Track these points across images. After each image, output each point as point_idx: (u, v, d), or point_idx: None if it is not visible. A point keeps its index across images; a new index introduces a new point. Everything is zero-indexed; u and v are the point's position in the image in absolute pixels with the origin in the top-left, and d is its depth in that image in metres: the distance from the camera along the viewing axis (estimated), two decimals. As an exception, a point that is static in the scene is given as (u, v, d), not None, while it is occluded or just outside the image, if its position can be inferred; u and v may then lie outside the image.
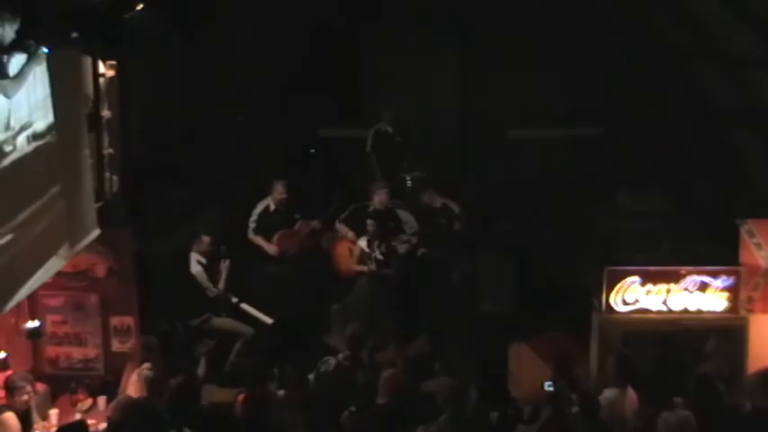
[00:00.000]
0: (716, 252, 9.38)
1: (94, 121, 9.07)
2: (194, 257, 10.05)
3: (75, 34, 7.22)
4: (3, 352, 8.02)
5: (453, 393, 7.41)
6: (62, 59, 7.53)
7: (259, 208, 11.24)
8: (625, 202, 12.10)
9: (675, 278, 8.79)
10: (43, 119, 7.30)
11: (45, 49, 7.03)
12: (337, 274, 11.12)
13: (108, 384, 8.46)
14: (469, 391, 7.68)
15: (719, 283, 8.77)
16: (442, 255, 11.19)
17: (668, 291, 8.80)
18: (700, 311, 8.81)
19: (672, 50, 12.13)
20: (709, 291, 8.78)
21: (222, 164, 12.65)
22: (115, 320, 8.73)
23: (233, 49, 12.97)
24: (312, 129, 13.45)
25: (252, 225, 11.23)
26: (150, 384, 7.75)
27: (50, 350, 8.77)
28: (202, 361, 9.94)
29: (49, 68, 7.24)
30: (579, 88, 13.57)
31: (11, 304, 7.00)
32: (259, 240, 11.16)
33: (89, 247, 8.32)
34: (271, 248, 11.08)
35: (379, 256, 10.83)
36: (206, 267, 10.06)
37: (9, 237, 6.70)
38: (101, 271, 8.66)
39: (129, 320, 8.72)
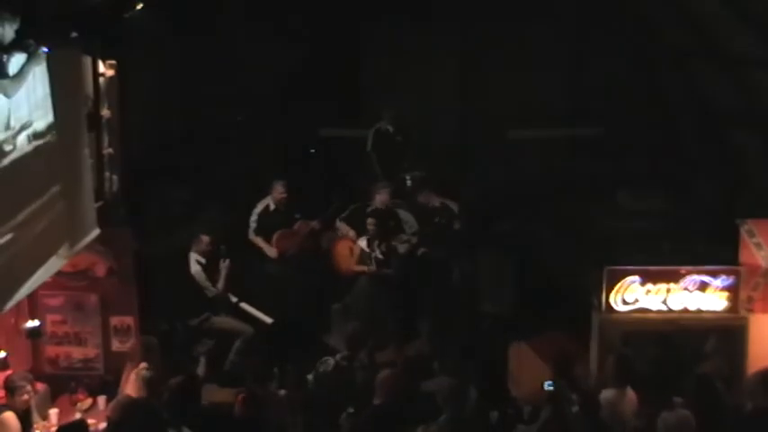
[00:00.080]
0: (716, 252, 9.37)
1: (94, 120, 9.07)
2: (193, 257, 10.05)
3: (74, 34, 7.21)
4: (3, 351, 8.03)
5: (453, 393, 7.41)
6: (62, 59, 7.53)
7: (259, 208, 11.26)
8: (625, 202, 12.09)
9: (675, 278, 8.78)
10: (43, 118, 7.31)
11: (45, 49, 7.03)
12: (337, 274, 11.12)
13: (108, 384, 8.47)
14: (469, 391, 7.68)
15: (719, 282, 8.77)
16: (441, 254, 11.20)
17: (668, 290, 8.79)
18: (699, 311, 8.81)
19: (672, 50, 12.13)
20: (708, 290, 8.78)
21: (222, 164, 12.64)
22: (115, 320, 8.74)
23: (233, 50, 12.96)
24: (312, 129, 13.45)
25: (252, 225, 11.24)
26: (148, 384, 7.76)
27: (50, 350, 8.78)
28: (202, 360, 9.95)
29: (48, 68, 7.25)
30: (579, 88, 13.56)
31: (11, 304, 7.00)
32: (259, 242, 11.17)
33: (89, 247, 8.33)
34: (271, 251, 11.09)
35: (380, 256, 10.84)
36: (205, 267, 10.06)
37: (9, 236, 6.71)
38: (101, 271, 8.67)
39: (128, 320, 8.73)
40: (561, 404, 7.39)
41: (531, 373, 9.08)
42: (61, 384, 8.48)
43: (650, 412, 7.42)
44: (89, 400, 8.42)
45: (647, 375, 8.06)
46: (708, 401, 7.45)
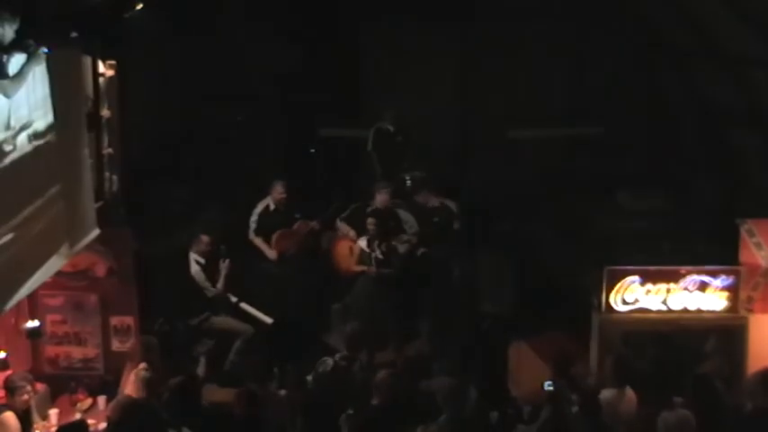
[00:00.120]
0: (716, 252, 9.37)
1: (94, 120, 9.06)
2: (193, 257, 10.06)
3: (74, 34, 7.21)
4: (3, 352, 8.03)
5: (453, 393, 7.40)
6: (62, 59, 7.53)
7: (259, 208, 11.27)
8: (625, 202, 12.09)
9: (675, 278, 8.79)
10: (43, 118, 7.30)
11: (45, 49, 7.03)
12: (337, 274, 11.12)
13: (108, 384, 8.47)
14: (469, 391, 7.67)
15: (719, 282, 8.77)
16: (441, 254, 11.20)
17: (668, 290, 8.80)
18: (699, 311, 8.81)
19: (672, 50, 12.14)
20: (708, 290, 8.79)
21: (222, 164, 12.64)
22: (115, 320, 8.74)
23: (233, 50, 12.96)
24: (312, 129, 13.45)
25: (252, 225, 11.24)
26: (147, 384, 7.76)
27: (50, 350, 8.77)
28: (202, 360, 9.95)
29: (48, 68, 7.24)
30: (579, 88, 13.56)
31: (11, 304, 7.00)
32: (259, 243, 11.18)
33: (89, 247, 8.33)
34: (270, 253, 11.10)
35: (380, 256, 10.83)
36: (204, 267, 10.06)
37: (9, 236, 6.70)
38: (101, 271, 8.67)
39: (128, 320, 8.73)
40: (561, 404, 7.39)
41: (531, 373, 9.08)
42: (61, 384, 8.48)
43: (650, 412, 7.42)
44: (89, 400, 8.42)
45: (647, 375, 8.07)
46: (708, 401, 7.46)
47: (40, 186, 7.31)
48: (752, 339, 8.74)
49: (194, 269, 10.05)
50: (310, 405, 8.07)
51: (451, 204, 11.63)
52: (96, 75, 9.13)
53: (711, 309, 8.80)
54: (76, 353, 8.77)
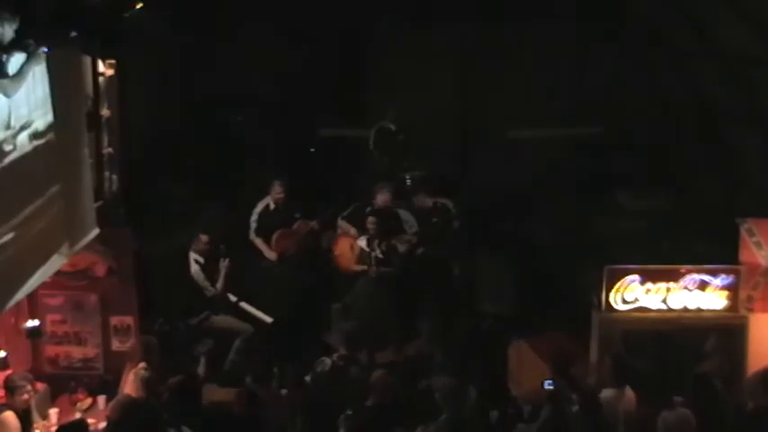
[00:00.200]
0: (716, 251, 9.37)
1: (94, 120, 9.06)
2: (193, 257, 10.06)
3: (74, 33, 7.20)
4: (3, 351, 8.03)
5: (453, 393, 7.41)
6: (61, 59, 7.53)
7: (259, 207, 11.28)
8: (625, 202, 12.09)
9: (675, 277, 8.79)
10: (43, 118, 7.30)
11: (45, 49, 7.03)
12: (338, 272, 11.12)
13: (107, 384, 8.47)
14: (469, 390, 7.68)
15: (719, 281, 8.78)
16: (441, 254, 11.20)
17: (668, 289, 8.80)
18: (699, 310, 8.82)
19: (672, 50, 12.13)
20: (708, 289, 8.79)
21: (222, 164, 12.64)
22: (115, 320, 8.75)
23: (233, 50, 12.96)
24: (312, 129, 13.45)
25: (253, 225, 11.25)
26: (146, 384, 7.77)
27: (50, 349, 8.79)
28: (202, 360, 9.94)
29: (48, 68, 7.25)
30: (579, 88, 13.55)
31: (11, 303, 7.00)
32: (259, 243, 11.18)
33: (89, 247, 8.33)
34: (270, 254, 11.10)
35: (380, 256, 10.83)
36: (204, 267, 10.07)
37: (9, 236, 6.71)
38: (100, 270, 8.67)
39: (128, 320, 8.74)
40: (561, 403, 7.40)
41: (530, 373, 9.09)
42: (61, 384, 8.49)
43: (650, 412, 7.42)
44: (89, 400, 8.42)
45: (647, 374, 8.07)
46: (708, 400, 7.46)
47: (40, 186, 7.31)
48: (752, 338, 8.75)
49: (194, 269, 10.05)
50: (310, 405, 8.07)
51: (448, 204, 11.62)
52: (96, 74, 9.13)
53: (711, 308, 8.80)
54: (76, 353, 8.78)
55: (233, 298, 10.41)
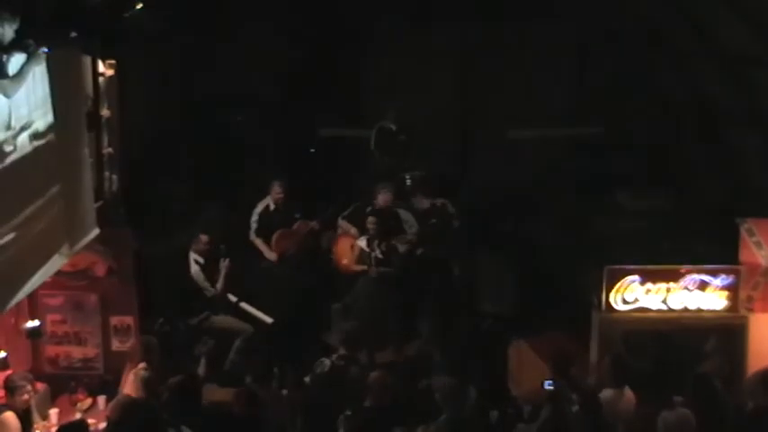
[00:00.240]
0: (716, 251, 9.37)
1: (94, 120, 9.06)
2: (193, 257, 10.06)
3: (74, 34, 7.21)
4: (3, 351, 8.03)
5: (453, 393, 7.40)
6: (61, 59, 7.54)
7: (259, 208, 11.29)
8: (625, 202, 12.09)
9: (675, 277, 8.80)
10: (43, 118, 7.31)
11: (45, 49, 7.03)
12: (338, 272, 11.12)
13: (107, 384, 8.48)
14: (469, 391, 7.68)
15: (719, 281, 8.78)
16: (441, 254, 11.20)
17: (668, 289, 8.81)
18: (699, 310, 8.82)
19: (672, 50, 12.13)
20: (708, 289, 8.80)
21: (222, 164, 12.64)
22: (115, 320, 8.76)
23: (233, 50, 12.96)
24: (312, 129, 13.45)
25: (253, 225, 11.26)
26: (146, 384, 7.77)
27: (50, 349, 8.79)
28: (202, 360, 9.93)
29: (48, 68, 7.25)
30: (579, 88, 13.55)
31: (11, 304, 7.00)
32: (259, 244, 11.19)
33: (89, 247, 8.33)
34: (270, 255, 11.11)
35: (380, 256, 10.83)
36: (203, 267, 10.07)
37: (10, 236, 6.71)
38: (100, 270, 8.68)
39: (128, 320, 8.75)
40: (561, 403, 7.39)
41: (530, 373, 9.09)
42: (61, 384, 8.49)
43: (649, 411, 7.42)
44: (89, 400, 8.43)
45: (647, 374, 8.07)
46: (707, 401, 7.46)
47: (40, 186, 7.31)
48: (752, 339, 8.75)
49: (194, 269, 10.06)
50: (309, 405, 8.07)
51: (446, 204, 11.61)
52: (96, 74, 9.13)
53: (711, 308, 8.81)
54: (76, 353, 8.79)
55: (233, 298, 10.41)
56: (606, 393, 7.66)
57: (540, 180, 12.86)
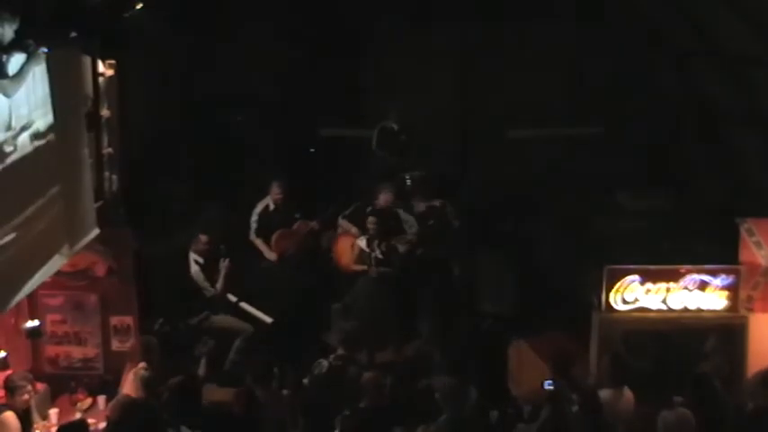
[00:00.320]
0: (716, 251, 9.37)
1: (94, 120, 9.05)
2: (193, 257, 10.06)
3: (74, 34, 7.21)
4: (3, 351, 8.03)
5: (453, 393, 7.41)
6: (61, 59, 7.53)
7: (259, 208, 11.29)
8: (625, 202, 12.09)
9: (675, 277, 8.80)
10: (43, 118, 7.31)
11: (44, 49, 7.03)
12: (338, 271, 11.13)
13: (107, 384, 8.47)
14: (469, 391, 7.68)
15: (719, 281, 8.79)
16: (441, 254, 11.20)
17: (668, 289, 8.81)
18: (699, 310, 8.82)
19: (672, 50, 12.13)
20: (708, 289, 8.80)
21: (222, 164, 12.64)
22: (115, 320, 8.75)
23: (233, 50, 12.96)
24: (312, 129, 13.45)
25: (253, 225, 11.27)
26: (145, 384, 7.76)
27: (50, 349, 8.78)
28: (202, 360, 9.93)
29: (48, 68, 7.25)
30: (579, 88, 13.55)
31: (12, 304, 7.00)
32: (259, 244, 11.19)
33: (89, 247, 8.33)
34: (270, 255, 11.11)
35: (379, 256, 10.84)
36: (203, 267, 10.07)
37: (10, 237, 6.71)
38: (100, 270, 8.67)
39: (128, 320, 8.74)
40: (561, 403, 7.39)
41: (530, 373, 9.10)
42: (61, 384, 8.49)
43: (648, 411, 7.42)
44: (89, 400, 8.42)
45: (647, 374, 8.07)
46: (707, 401, 7.45)
47: (40, 186, 7.31)
48: (752, 338, 8.76)
49: (194, 269, 10.06)
50: (309, 406, 8.08)
51: (444, 204, 11.60)
52: (96, 74, 9.12)
53: (711, 308, 8.81)
54: (76, 353, 8.78)
55: (233, 298, 10.41)
56: (605, 393, 7.66)
57: (540, 180, 12.86)
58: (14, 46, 6.54)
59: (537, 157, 13.11)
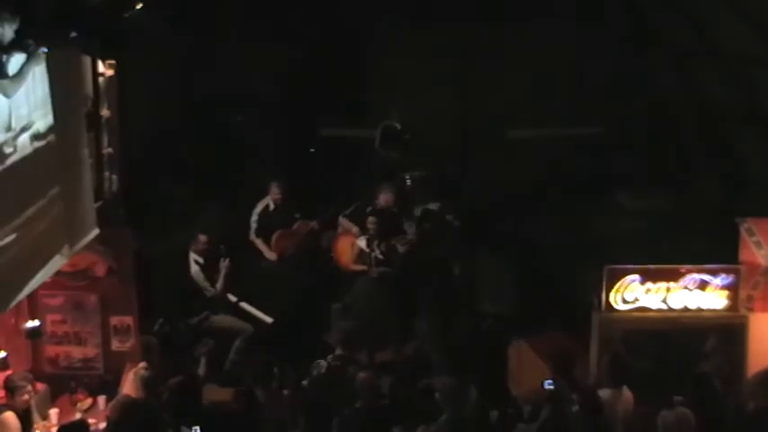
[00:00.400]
0: (716, 251, 9.37)
1: (94, 120, 9.05)
2: (192, 257, 10.06)
3: (74, 34, 7.21)
4: (3, 351, 8.03)
5: (453, 393, 7.41)
6: (61, 59, 7.53)
7: (259, 208, 11.30)
8: (625, 202, 12.09)
9: (675, 276, 8.79)
10: (43, 119, 7.30)
11: (44, 49, 7.03)
12: (338, 270, 11.13)
13: (107, 384, 8.47)
14: (469, 391, 7.67)
15: (719, 281, 8.78)
16: (441, 254, 11.20)
17: (668, 289, 8.80)
18: (699, 310, 8.82)
19: (672, 50, 12.13)
20: (708, 289, 8.79)
21: (222, 164, 12.64)
22: (115, 320, 8.75)
23: (233, 50, 12.97)
24: (313, 129, 13.46)
25: (253, 225, 11.28)
26: (145, 384, 7.76)
27: (50, 350, 8.78)
28: (202, 360, 9.94)
29: (48, 68, 7.24)
30: (579, 88, 13.55)
31: (12, 304, 7.00)
32: (259, 244, 11.20)
33: (89, 247, 8.33)
34: (270, 255, 11.12)
35: (379, 256, 10.84)
36: (203, 267, 10.07)
37: (11, 237, 6.71)
38: (100, 270, 8.67)
39: (128, 320, 8.74)
40: (561, 403, 7.39)
41: (530, 373, 9.09)
42: (61, 384, 8.48)
43: (648, 411, 7.42)
44: (89, 400, 8.42)
45: (647, 374, 8.07)
46: (707, 400, 7.46)
47: (40, 187, 7.31)
48: (752, 338, 8.75)
49: (194, 269, 10.06)
50: (309, 406, 8.08)
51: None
52: (96, 75, 9.12)
53: (711, 307, 8.81)
54: (76, 353, 8.78)
55: (233, 298, 10.42)
56: (605, 393, 7.65)
57: (540, 180, 12.86)
58: (14, 46, 6.53)
59: (537, 157, 13.12)
